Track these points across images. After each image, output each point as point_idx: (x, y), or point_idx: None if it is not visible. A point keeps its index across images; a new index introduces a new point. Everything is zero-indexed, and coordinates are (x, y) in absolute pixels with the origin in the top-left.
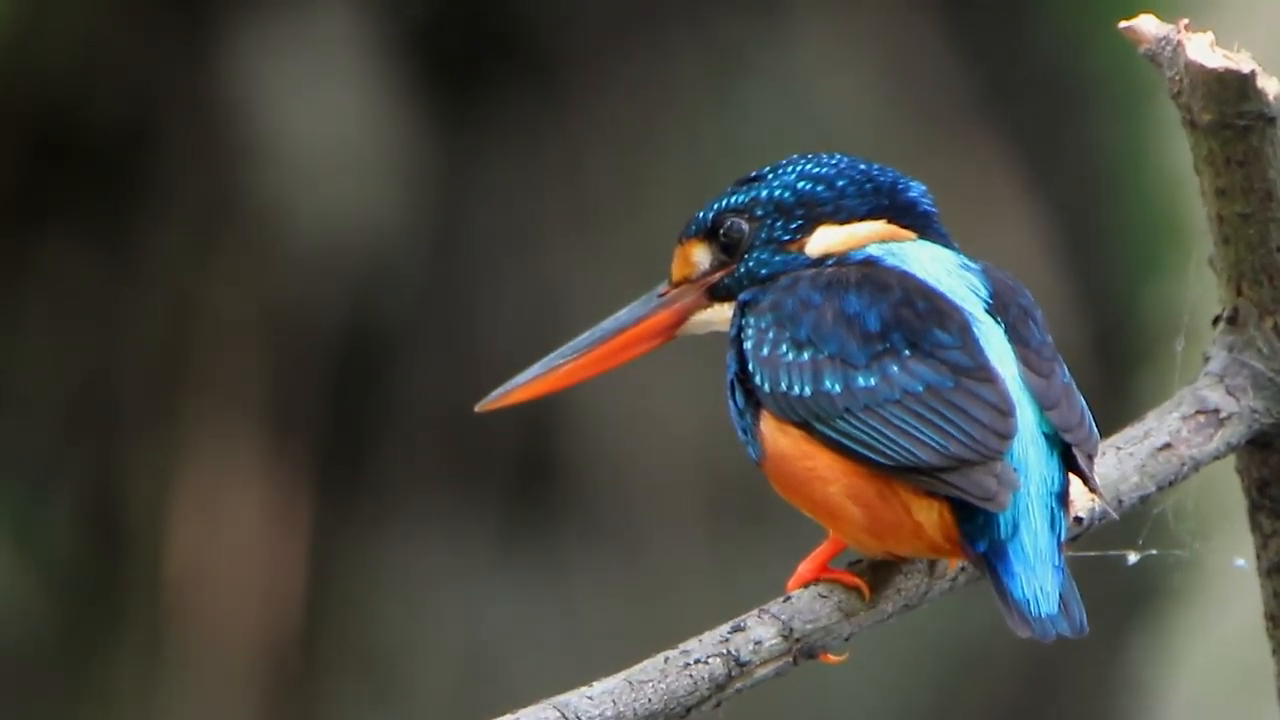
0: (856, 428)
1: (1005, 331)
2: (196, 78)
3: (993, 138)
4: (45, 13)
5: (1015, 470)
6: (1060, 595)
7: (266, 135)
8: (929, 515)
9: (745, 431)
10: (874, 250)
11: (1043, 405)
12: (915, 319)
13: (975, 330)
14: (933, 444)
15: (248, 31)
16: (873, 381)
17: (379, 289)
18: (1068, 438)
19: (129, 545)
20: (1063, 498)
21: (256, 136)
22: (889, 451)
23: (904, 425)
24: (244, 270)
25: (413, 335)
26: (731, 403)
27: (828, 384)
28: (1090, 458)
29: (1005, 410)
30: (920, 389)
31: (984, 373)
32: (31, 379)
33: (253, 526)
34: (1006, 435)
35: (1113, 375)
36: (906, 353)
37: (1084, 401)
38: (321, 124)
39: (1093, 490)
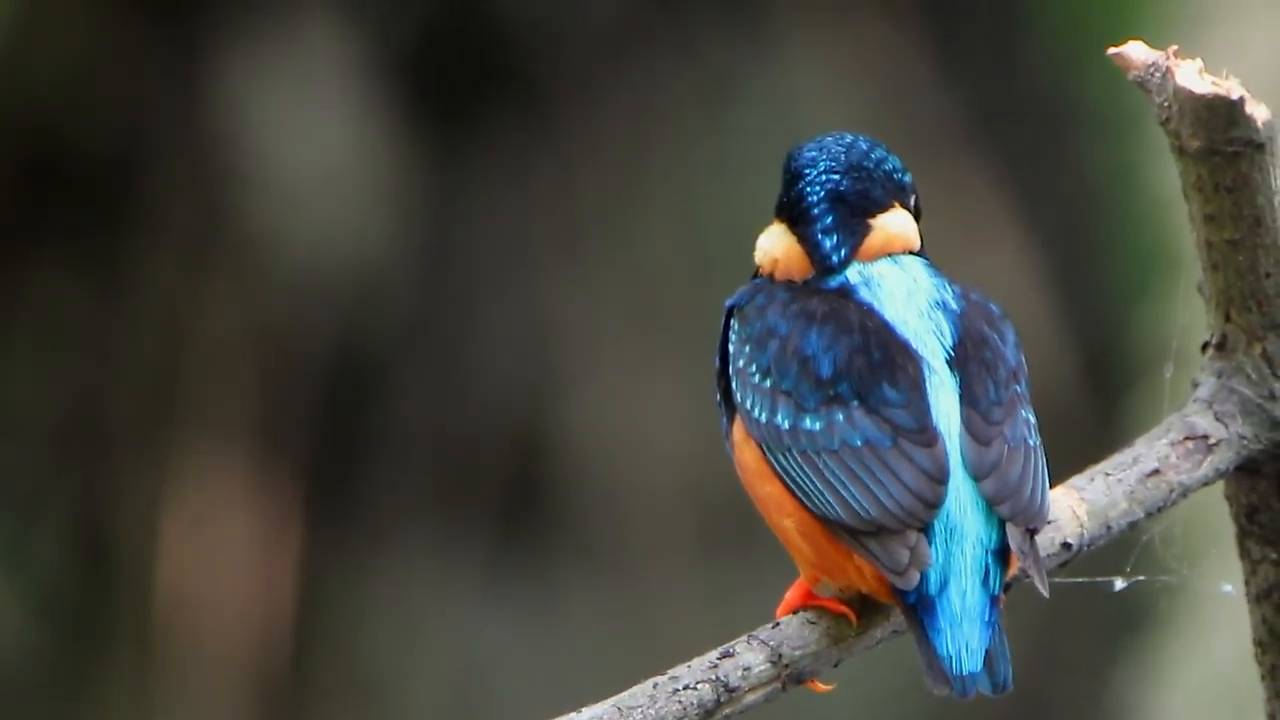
0: (795, 468)
1: (959, 387)
2: (186, 104)
3: (983, 162)
4: (34, 40)
5: (929, 547)
6: (986, 651)
7: (256, 160)
8: (863, 563)
9: (724, 431)
10: (858, 274)
11: (975, 475)
12: (867, 370)
13: (927, 387)
14: (855, 505)
15: (237, 57)
16: (817, 426)
17: (368, 313)
18: (1000, 510)
19: (119, 569)
20: (1001, 554)
21: (246, 161)
22: (816, 502)
23: (833, 478)
24: (234, 295)
25: (403, 359)
26: (716, 394)
27: (779, 417)
28: (1030, 531)
29: (938, 478)
30: (858, 443)
31: (925, 435)
32: (21, 403)
33: (243, 550)
34: (934, 503)
35: (1102, 400)
36: (854, 403)
37: (1035, 463)
38: (311, 148)
39: (1023, 564)
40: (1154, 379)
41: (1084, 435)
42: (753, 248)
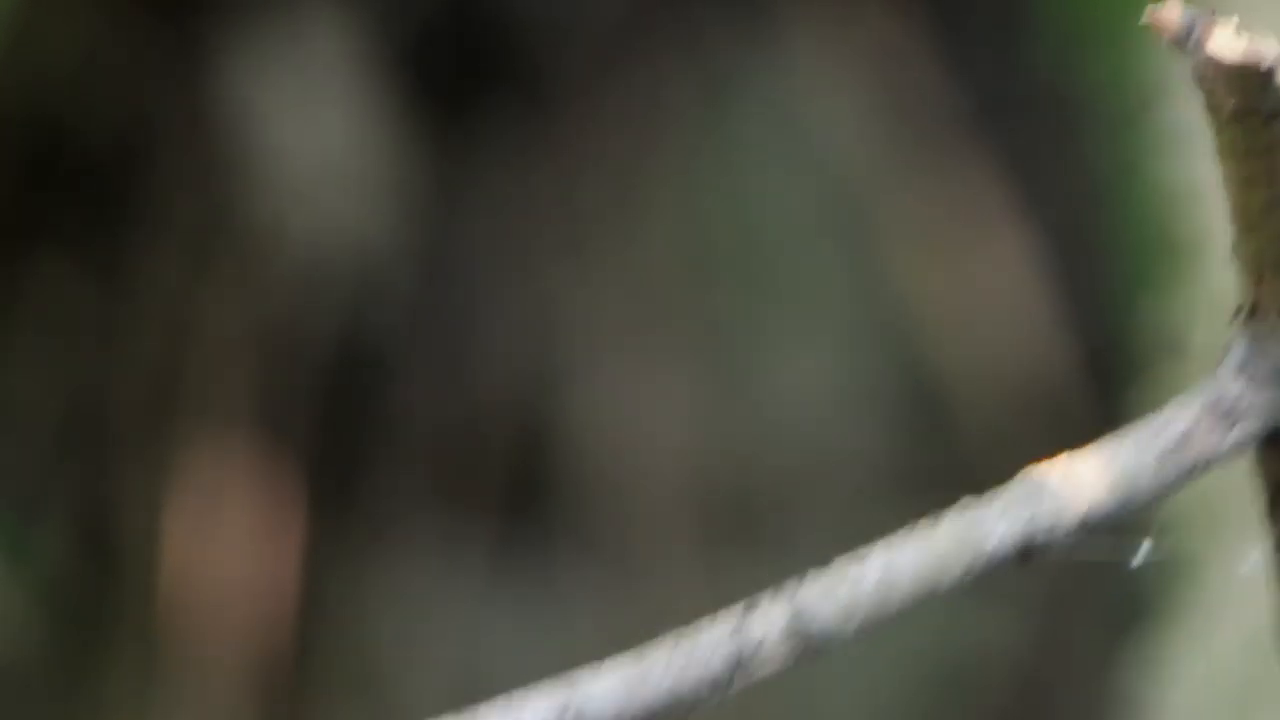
0: None
1: None
2: (189, 97)
3: (985, 155)
4: (36, 35)
5: None
6: None
7: (259, 154)
8: None
9: None
10: None
11: None
12: None
13: None
14: None
15: (240, 51)
16: None
17: (372, 307)
18: None
19: (122, 562)
20: None
21: (249, 156)
22: None
23: None
24: (237, 289)
25: (405, 354)
26: None
27: None
28: None
29: None
30: None
31: None
32: (23, 396)
33: (246, 543)
34: None
35: (1105, 392)
36: None
37: None
38: (314, 142)
39: None
40: (1157, 371)
41: (1086, 427)
42: (755, 243)
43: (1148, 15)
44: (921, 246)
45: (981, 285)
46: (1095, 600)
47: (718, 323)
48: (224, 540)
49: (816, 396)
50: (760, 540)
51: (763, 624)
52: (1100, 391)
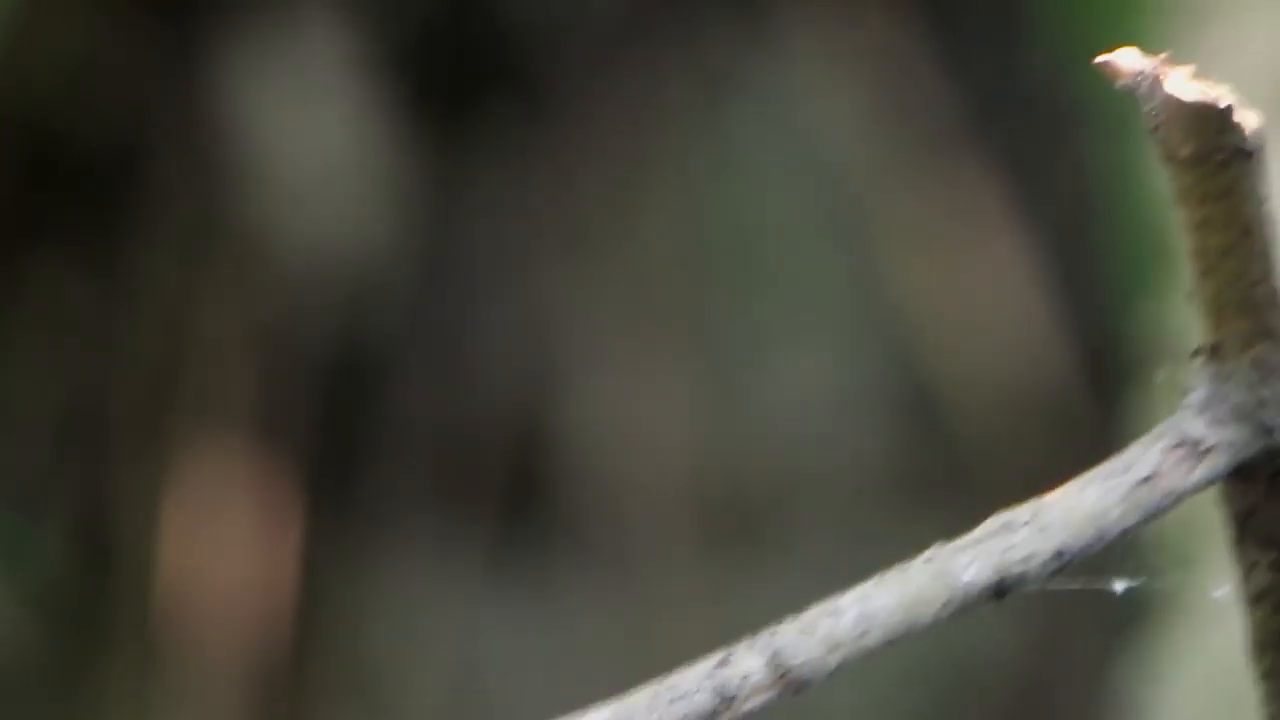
0: None
1: None
2: (188, 98)
3: (982, 159)
4: (34, 36)
5: None
6: None
7: (257, 155)
8: None
9: None
10: None
11: None
12: None
13: None
14: None
15: (239, 52)
16: None
17: (369, 308)
18: None
19: (120, 563)
20: None
21: (246, 157)
22: None
23: None
24: (234, 290)
25: (402, 356)
26: None
27: None
28: None
29: None
30: None
31: None
32: (21, 398)
33: (243, 545)
34: None
35: (1102, 397)
36: None
37: None
38: (311, 144)
39: None
40: (1153, 376)
41: (1083, 433)
42: (753, 244)
43: (1098, 61)
44: (919, 249)
45: (979, 288)
46: (1094, 603)
47: (716, 323)
48: (222, 540)
49: (814, 397)
50: (759, 541)
51: (744, 662)
52: (1097, 394)
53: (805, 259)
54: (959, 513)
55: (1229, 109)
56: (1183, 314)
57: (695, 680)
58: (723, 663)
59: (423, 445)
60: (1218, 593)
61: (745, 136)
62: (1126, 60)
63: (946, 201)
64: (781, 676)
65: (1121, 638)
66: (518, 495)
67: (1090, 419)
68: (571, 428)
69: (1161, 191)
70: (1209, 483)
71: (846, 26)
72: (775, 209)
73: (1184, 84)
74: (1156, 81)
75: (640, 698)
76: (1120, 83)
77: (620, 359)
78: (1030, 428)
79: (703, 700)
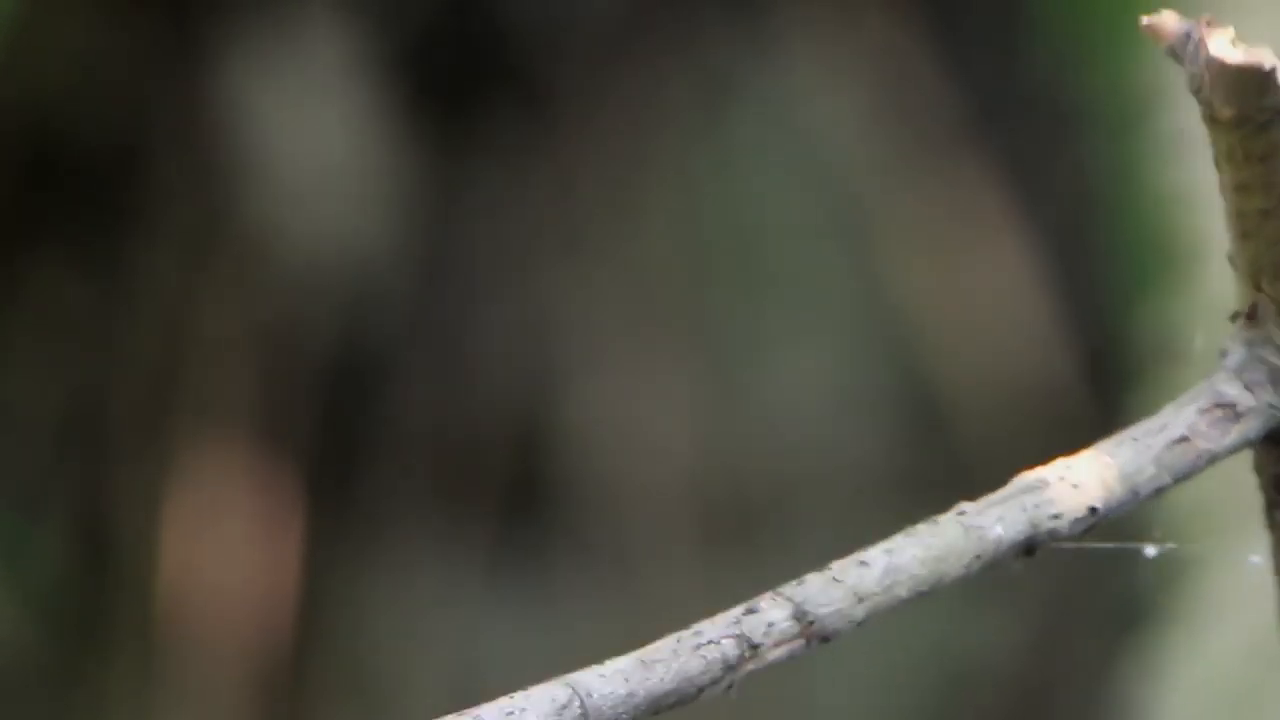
0: None
1: None
2: (188, 98)
3: (983, 158)
4: (34, 36)
5: None
6: None
7: (258, 155)
8: None
9: None
10: None
11: None
12: None
13: None
14: None
15: (239, 52)
16: None
17: (369, 308)
18: None
19: (119, 565)
20: None
21: (246, 157)
22: None
23: None
24: (234, 290)
25: (403, 356)
26: None
27: None
28: None
29: None
30: None
31: None
32: (21, 399)
33: (244, 545)
34: None
35: (1104, 396)
36: None
37: None
38: (311, 145)
39: None
40: (1156, 373)
41: (1084, 434)
42: (753, 245)
43: (1144, 22)
44: (919, 249)
45: (980, 288)
46: (1095, 602)
47: (716, 324)
48: (223, 541)
49: (814, 397)
50: (759, 541)
51: (769, 611)
52: (1098, 395)
53: (805, 259)
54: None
55: (1273, 70)
56: (1185, 315)
57: (721, 628)
58: (749, 611)
59: (423, 446)
60: (1254, 558)
61: (745, 137)
62: (1170, 23)
63: (946, 201)
64: (809, 626)
65: (1124, 634)
66: (518, 495)
67: (1091, 420)
68: (572, 428)
69: (1163, 191)
70: (1242, 446)
71: (846, 27)
72: (775, 209)
73: (1227, 46)
74: (1201, 44)
75: (664, 644)
76: (1164, 45)
77: (620, 359)
78: (1031, 428)
79: (727, 647)
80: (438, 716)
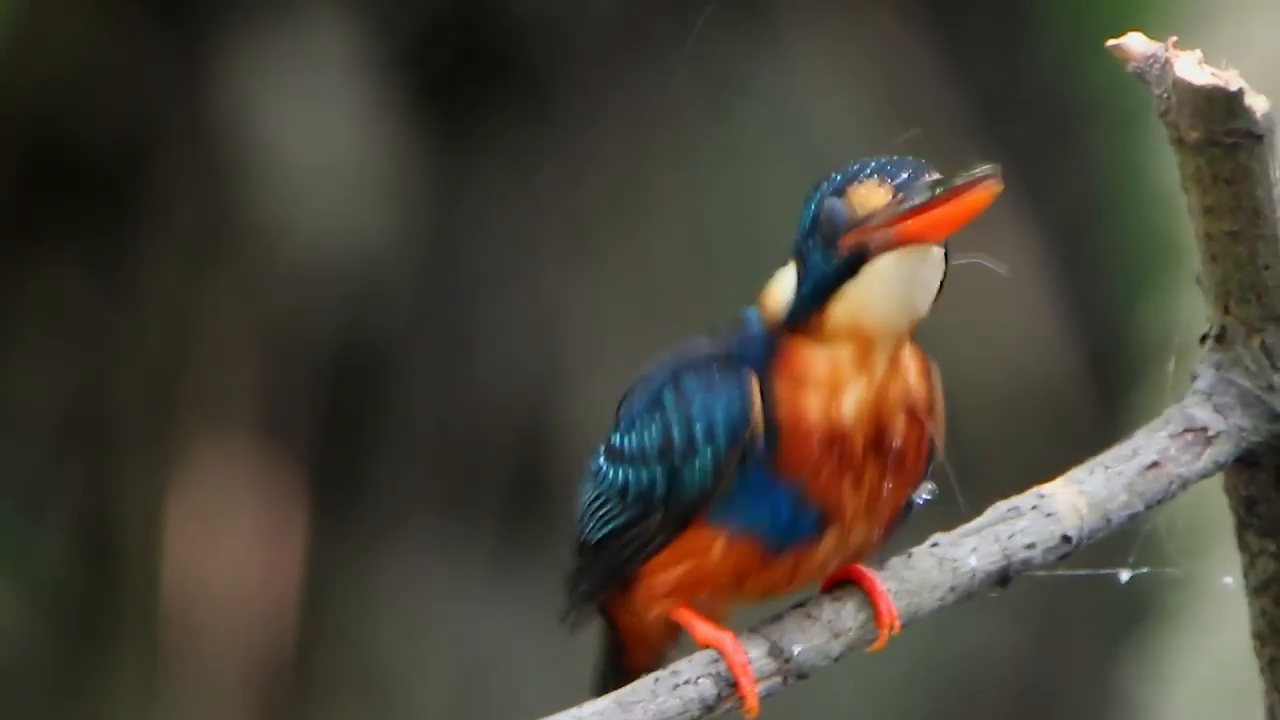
0: None
1: None
2: (191, 97)
3: (986, 157)
4: (38, 34)
5: None
6: None
7: (261, 154)
8: None
9: None
10: None
11: None
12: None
13: None
14: None
15: (243, 51)
16: None
17: (373, 307)
18: None
19: (123, 563)
20: None
21: (251, 155)
22: None
23: None
24: (238, 289)
25: (407, 353)
26: None
27: None
28: None
29: None
30: None
31: None
32: (26, 397)
33: (248, 545)
34: None
35: (1107, 393)
36: None
37: None
38: (316, 143)
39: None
40: (1159, 371)
41: (1089, 428)
42: (756, 243)
43: (1110, 44)
44: None
45: (983, 287)
46: (1095, 603)
47: (719, 320)
48: (226, 540)
49: None
50: None
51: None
52: (1101, 391)
53: None
54: (962, 510)
55: (1239, 92)
56: (1186, 310)
57: (698, 667)
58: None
59: (427, 445)
60: (1226, 580)
61: (749, 136)
62: (1136, 44)
63: None
64: (785, 663)
65: (1123, 634)
66: (521, 495)
67: (1094, 416)
68: (575, 428)
69: (1165, 188)
70: (1214, 470)
71: (850, 26)
72: (778, 208)
73: (1194, 68)
74: (1167, 65)
75: (642, 685)
76: (1130, 66)
77: (624, 357)
78: (1034, 425)
79: (704, 687)
80: (441, 710)
